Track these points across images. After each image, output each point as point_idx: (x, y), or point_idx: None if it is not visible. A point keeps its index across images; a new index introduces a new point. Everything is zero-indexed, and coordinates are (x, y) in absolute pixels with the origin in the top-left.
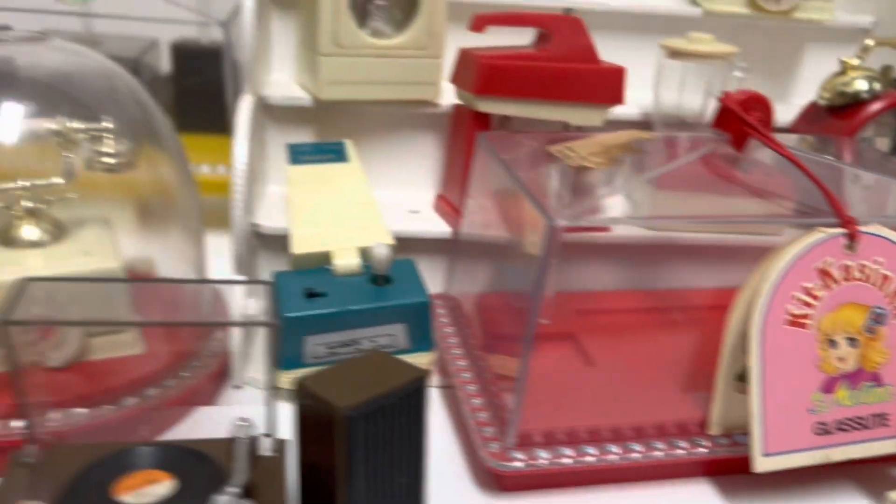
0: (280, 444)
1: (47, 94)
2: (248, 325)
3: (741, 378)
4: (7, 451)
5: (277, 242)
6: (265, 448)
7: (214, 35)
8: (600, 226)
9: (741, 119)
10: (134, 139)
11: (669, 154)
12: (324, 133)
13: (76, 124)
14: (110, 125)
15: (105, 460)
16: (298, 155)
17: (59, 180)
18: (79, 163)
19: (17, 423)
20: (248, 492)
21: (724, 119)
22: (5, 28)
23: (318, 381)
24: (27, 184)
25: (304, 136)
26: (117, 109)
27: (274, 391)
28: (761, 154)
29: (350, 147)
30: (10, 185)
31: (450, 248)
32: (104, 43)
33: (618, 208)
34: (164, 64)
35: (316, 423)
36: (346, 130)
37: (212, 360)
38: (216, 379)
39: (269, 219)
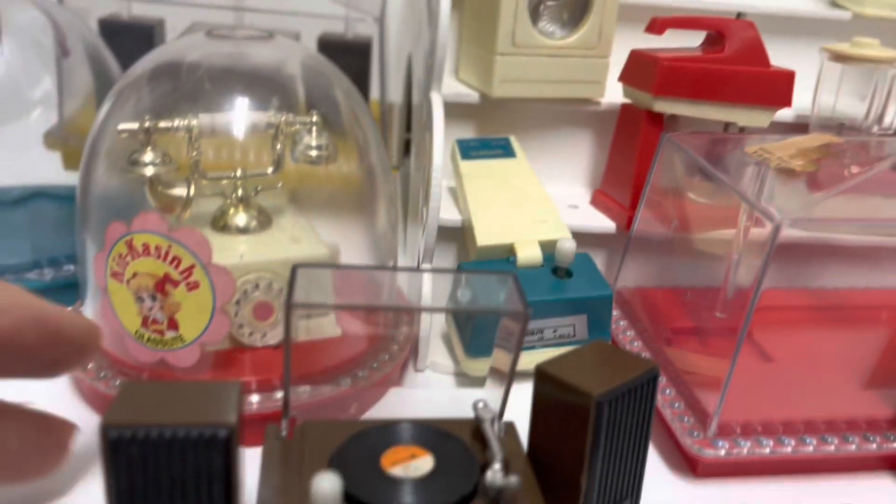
0: (510, 427)
1: (268, 88)
2: (498, 313)
3: None
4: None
5: (447, 234)
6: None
7: (359, 30)
8: (822, 228)
9: None
10: (339, 133)
11: (861, 159)
12: (484, 128)
13: (289, 118)
14: (317, 119)
15: (369, 434)
16: (468, 150)
17: (269, 171)
18: (286, 155)
19: (254, 398)
20: (507, 468)
21: None
22: (234, 28)
23: (558, 368)
24: (240, 173)
25: (467, 132)
26: (326, 105)
27: (499, 376)
28: None
29: (515, 142)
30: (227, 174)
31: (611, 243)
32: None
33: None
34: None
35: (556, 409)
36: (505, 126)
37: (403, 346)
38: (403, 364)
39: (445, 211)
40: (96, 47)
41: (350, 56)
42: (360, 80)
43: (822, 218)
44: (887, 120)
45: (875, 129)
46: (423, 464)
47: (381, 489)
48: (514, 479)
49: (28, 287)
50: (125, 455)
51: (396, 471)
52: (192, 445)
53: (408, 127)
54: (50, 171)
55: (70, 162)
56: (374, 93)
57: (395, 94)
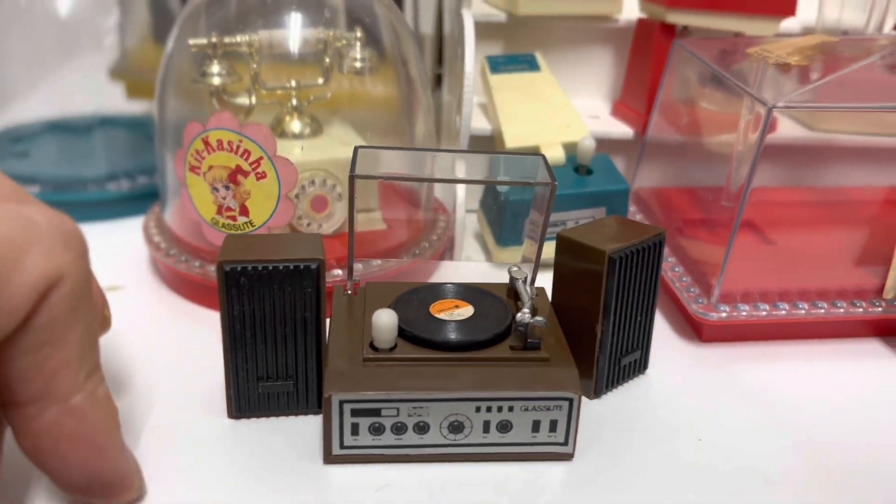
0: (541, 290)
1: (318, 7)
2: (531, 184)
3: None
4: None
5: (479, 143)
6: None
7: None
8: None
9: None
10: (381, 47)
11: (857, 55)
12: (511, 46)
13: (337, 33)
14: (360, 34)
15: (419, 290)
16: (497, 65)
17: (319, 81)
18: (335, 66)
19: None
20: (534, 312)
21: None
22: None
23: (576, 233)
24: (295, 84)
25: (495, 49)
26: (370, 20)
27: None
28: None
29: (540, 57)
30: (283, 84)
31: (629, 148)
32: None
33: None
34: None
35: (576, 269)
36: (531, 43)
37: (440, 238)
38: (440, 255)
39: (475, 122)
40: None
41: None
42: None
43: (810, 102)
44: (887, 28)
45: (876, 35)
46: (465, 312)
47: (430, 327)
48: (540, 319)
49: (108, 196)
50: (236, 285)
51: (442, 315)
52: (289, 276)
53: (438, 61)
54: (116, 98)
55: (132, 92)
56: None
57: (427, 26)
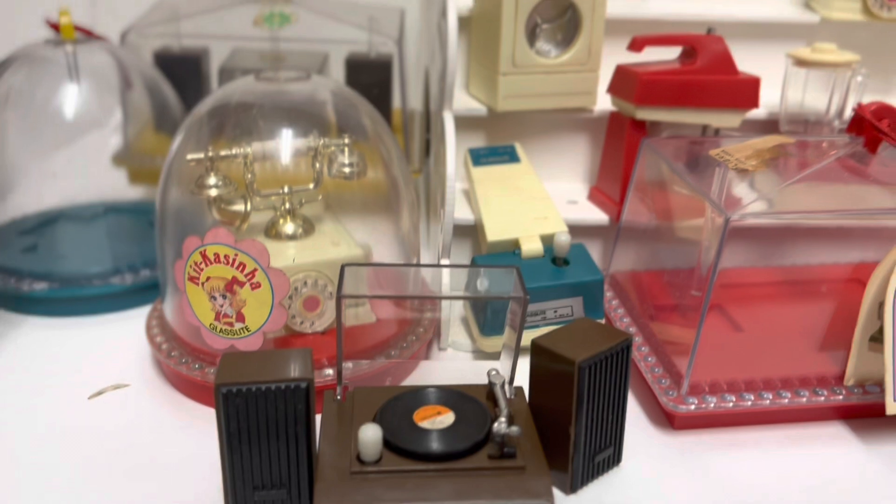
0: (519, 391)
1: (307, 118)
2: (504, 298)
3: (874, 339)
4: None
5: (463, 230)
6: (508, 393)
7: (381, 50)
8: (766, 219)
9: (874, 126)
10: (366, 150)
11: (812, 156)
12: (492, 137)
13: (325, 141)
14: (348, 140)
15: (404, 397)
16: (478, 157)
17: (311, 186)
18: (324, 172)
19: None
20: (510, 421)
21: (859, 125)
22: (278, 71)
23: (549, 341)
24: (287, 190)
25: (478, 140)
26: (355, 128)
27: (510, 351)
28: (892, 155)
29: (519, 149)
30: (277, 191)
31: (605, 233)
32: (287, 59)
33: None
34: (338, 75)
35: (549, 374)
36: (511, 134)
37: (427, 329)
38: (428, 343)
39: (459, 210)
40: (153, 78)
41: (374, 72)
42: (384, 92)
43: (764, 211)
44: (847, 114)
45: (836, 122)
46: (447, 419)
47: (413, 438)
48: (515, 429)
49: (112, 290)
50: (233, 405)
51: (425, 424)
52: (281, 395)
53: (427, 128)
54: (119, 187)
55: (134, 178)
56: (397, 102)
57: (415, 102)
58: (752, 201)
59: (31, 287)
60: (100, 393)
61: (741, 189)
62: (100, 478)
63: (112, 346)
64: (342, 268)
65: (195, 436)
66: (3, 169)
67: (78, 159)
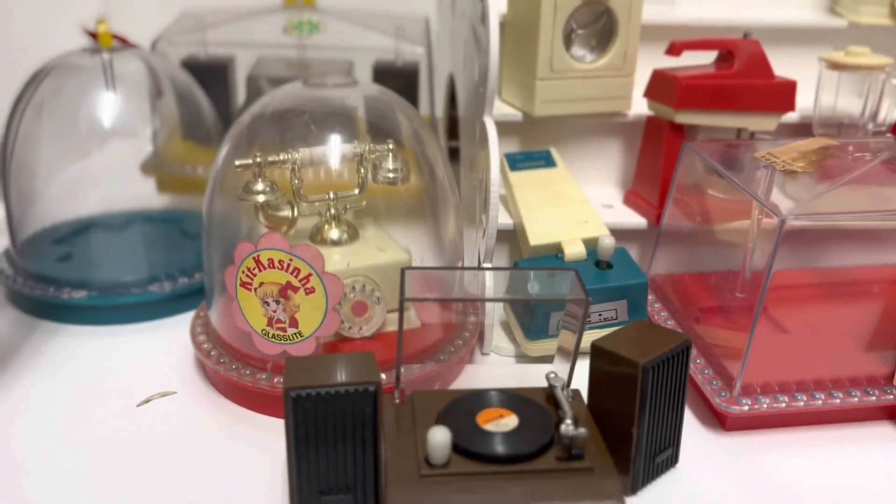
0: (576, 393)
1: (352, 124)
2: (566, 300)
3: None
4: None
5: (501, 235)
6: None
7: (407, 57)
8: (820, 220)
9: None
10: (410, 155)
11: (858, 158)
12: (527, 142)
13: (370, 146)
14: (392, 146)
15: (464, 399)
16: (515, 163)
17: (356, 192)
18: (369, 178)
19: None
20: (576, 423)
21: None
22: (324, 77)
23: (609, 343)
24: (333, 195)
25: (512, 146)
26: (400, 133)
27: (569, 355)
28: None
29: (555, 153)
30: (322, 197)
31: (642, 237)
32: (313, 67)
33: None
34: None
35: (610, 376)
36: (546, 139)
37: (472, 333)
38: (472, 349)
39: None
40: (185, 85)
41: (400, 79)
42: (410, 99)
43: (819, 212)
44: (881, 117)
45: (870, 125)
46: (510, 421)
47: (479, 440)
48: (583, 430)
49: (151, 298)
50: (302, 409)
51: (489, 427)
52: (350, 399)
53: (449, 135)
54: (148, 195)
55: (163, 186)
56: (423, 109)
57: (438, 110)
58: (807, 201)
59: (71, 295)
60: (147, 401)
61: (791, 190)
62: (154, 487)
63: (154, 354)
64: (402, 271)
65: (248, 442)
66: (36, 176)
67: (110, 167)
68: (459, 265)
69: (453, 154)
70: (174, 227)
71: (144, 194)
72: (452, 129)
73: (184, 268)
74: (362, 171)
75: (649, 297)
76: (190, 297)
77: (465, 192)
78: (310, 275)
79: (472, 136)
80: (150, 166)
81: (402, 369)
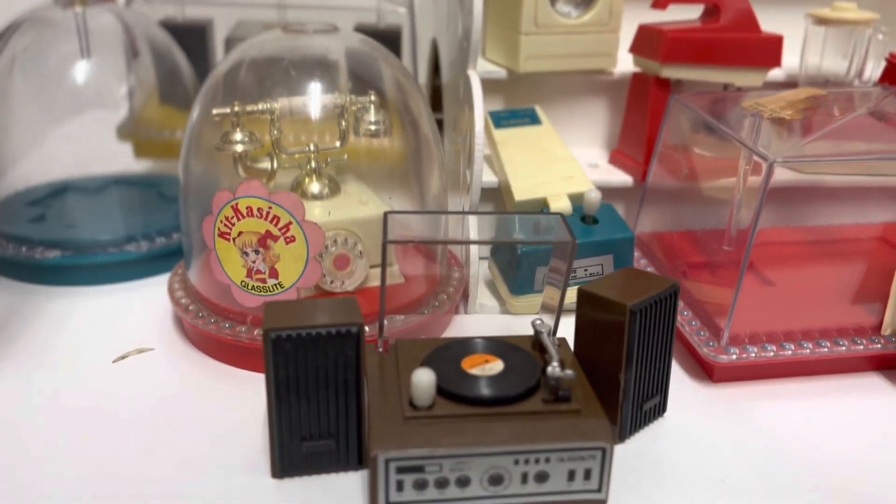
0: (562, 341)
1: (334, 74)
2: (549, 243)
3: None
4: None
5: (485, 194)
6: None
7: (389, 20)
8: (810, 164)
9: None
10: (394, 108)
11: (846, 106)
12: (512, 100)
13: (351, 98)
14: (374, 98)
15: (449, 346)
16: (500, 120)
17: (337, 144)
18: (350, 129)
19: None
20: (562, 365)
21: (891, 75)
22: (303, 23)
23: (596, 287)
24: (313, 147)
25: (497, 104)
26: (383, 84)
27: (555, 309)
28: None
29: (540, 111)
30: (303, 148)
31: (628, 195)
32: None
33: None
34: None
35: (596, 322)
36: (531, 97)
37: (456, 289)
38: (456, 305)
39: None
40: (163, 45)
41: (383, 42)
42: None
43: (809, 155)
44: (866, 74)
45: (856, 83)
46: (496, 366)
47: (465, 383)
48: (569, 372)
49: (127, 258)
50: (282, 351)
51: (475, 371)
52: (332, 340)
53: (433, 107)
54: (126, 159)
55: (140, 151)
56: None
57: (421, 76)
58: (796, 145)
59: (44, 255)
60: (124, 357)
61: (780, 137)
62: (135, 442)
63: (131, 313)
64: (385, 214)
65: (227, 396)
66: (9, 137)
67: (85, 129)
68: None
69: (437, 126)
70: (152, 190)
71: (122, 158)
72: (435, 101)
73: (161, 229)
74: (343, 123)
75: (635, 254)
76: (167, 258)
77: (450, 158)
78: (290, 223)
79: (455, 99)
80: (127, 130)
81: (386, 321)
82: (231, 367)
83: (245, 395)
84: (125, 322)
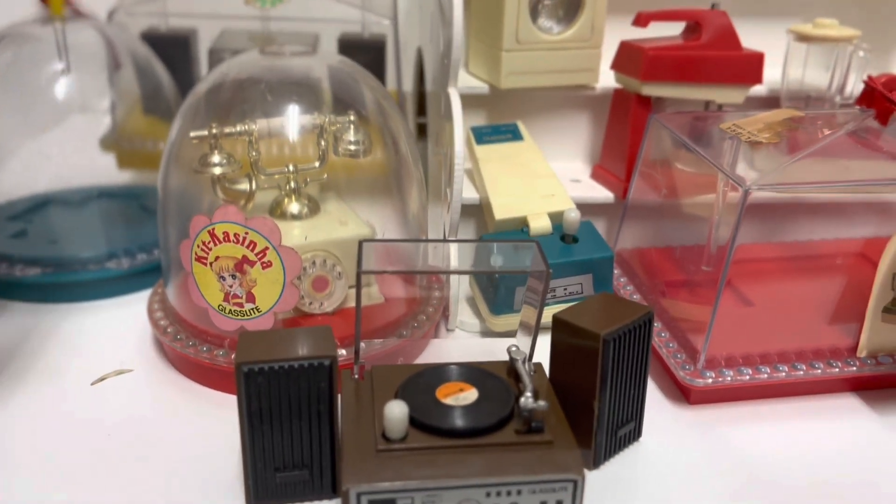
0: (538, 367)
1: (312, 94)
2: (527, 272)
3: (888, 310)
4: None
5: (466, 210)
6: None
7: (374, 29)
8: (784, 190)
9: (886, 97)
10: (373, 128)
11: (824, 129)
12: (494, 115)
13: (330, 118)
14: (353, 118)
15: (424, 374)
16: (482, 136)
17: (316, 164)
18: (330, 150)
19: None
20: (536, 396)
21: (869, 98)
22: (282, 45)
23: (570, 315)
24: (293, 168)
25: (479, 119)
26: (361, 105)
27: (532, 329)
28: None
29: (522, 127)
30: (282, 169)
31: (610, 211)
32: (278, 39)
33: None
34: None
35: (571, 349)
36: (513, 112)
37: (436, 309)
38: (436, 324)
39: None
40: (144, 58)
41: (367, 53)
42: (377, 72)
43: (784, 182)
44: (848, 90)
45: (838, 98)
46: (470, 395)
47: (438, 414)
48: (542, 403)
49: (108, 275)
50: (255, 384)
51: (449, 401)
52: (304, 373)
53: (419, 111)
54: (109, 171)
55: (123, 162)
56: (390, 84)
57: (407, 84)
58: (771, 172)
59: (24, 272)
60: (102, 379)
61: (756, 161)
62: (110, 465)
63: (111, 332)
64: (360, 243)
65: (205, 419)
66: None
67: (67, 142)
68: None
69: (423, 131)
70: (134, 203)
71: (104, 170)
72: (422, 106)
73: (143, 244)
74: (323, 143)
75: (615, 272)
76: (149, 274)
77: (433, 168)
78: (266, 248)
79: (438, 111)
80: (110, 142)
81: (364, 345)
82: (210, 390)
83: (224, 419)
84: (105, 341)
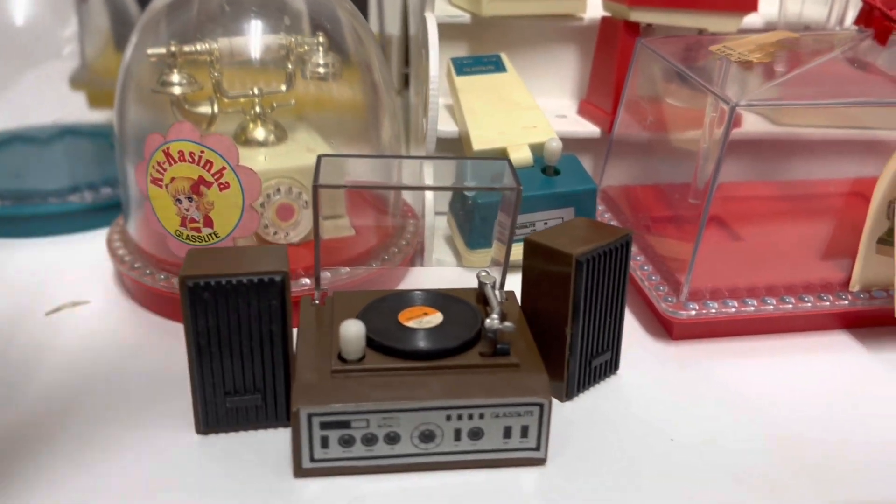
0: (510, 294)
1: (279, 13)
2: (496, 189)
3: (883, 241)
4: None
5: (446, 144)
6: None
7: None
8: (774, 106)
9: (885, 15)
10: (344, 52)
11: (819, 49)
12: (476, 47)
13: (299, 39)
14: (322, 40)
15: (387, 298)
16: (463, 67)
17: (282, 88)
18: (297, 73)
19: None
20: (503, 318)
21: (867, 17)
22: None
23: (543, 237)
24: (258, 91)
25: (460, 51)
26: (332, 26)
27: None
28: None
29: (505, 58)
30: (246, 92)
31: (596, 147)
32: None
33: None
34: None
35: (543, 273)
36: (496, 44)
37: (409, 243)
38: (411, 258)
39: (442, 124)
40: None
41: None
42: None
43: (773, 99)
44: (847, 22)
45: (837, 30)
46: (434, 319)
47: (399, 336)
48: (508, 324)
49: (70, 209)
50: (201, 300)
51: (411, 324)
52: (254, 289)
53: (406, 61)
54: (78, 108)
55: (94, 101)
56: (373, 27)
57: (393, 27)
58: (759, 88)
59: None
60: (57, 309)
61: (746, 81)
62: (63, 395)
63: (72, 266)
64: (318, 157)
65: (161, 350)
66: None
67: (32, 76)
68: (396, 174)
69: (406, 82)
70: (104, 141)
71: (76, 109)
72: (409, 58)
73: (108, 178)
74: (290, 65)
75: (600, 208)
76: (115, 210)
77: (414, 112)
78: (223, 168)
79: (421, 58)
80: (80, 80)
81: (329, 273)
82: (169, 321)
83: (179, 349)
84: (64, 275)
